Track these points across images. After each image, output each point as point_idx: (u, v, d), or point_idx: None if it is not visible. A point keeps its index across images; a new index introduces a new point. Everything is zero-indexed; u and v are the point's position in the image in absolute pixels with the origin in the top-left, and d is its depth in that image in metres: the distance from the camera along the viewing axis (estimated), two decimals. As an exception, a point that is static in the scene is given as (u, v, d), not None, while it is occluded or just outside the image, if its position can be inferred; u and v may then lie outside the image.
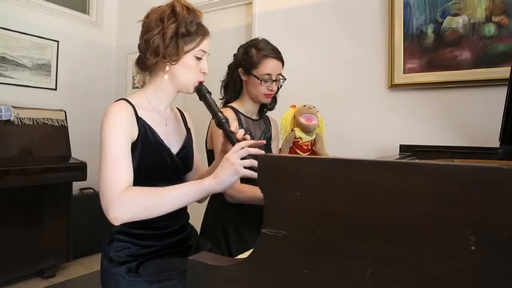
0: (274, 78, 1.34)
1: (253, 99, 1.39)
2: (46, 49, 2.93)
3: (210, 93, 1.06)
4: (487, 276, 0.37)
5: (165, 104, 1.10)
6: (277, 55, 1.35)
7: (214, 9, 2.76)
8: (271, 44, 1.38)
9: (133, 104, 1.00)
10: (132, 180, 0.94)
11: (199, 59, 1.04)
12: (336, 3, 2.17)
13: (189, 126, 1.21)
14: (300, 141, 1.30)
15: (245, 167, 0.91)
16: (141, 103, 1.03)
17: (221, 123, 1.02)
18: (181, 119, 1.20)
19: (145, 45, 1.00)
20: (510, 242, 0.36)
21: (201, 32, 1.04)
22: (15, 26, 2.72)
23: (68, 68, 3.08)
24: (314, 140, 1.32)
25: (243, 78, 1.37)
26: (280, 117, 1.58)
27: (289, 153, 1.34)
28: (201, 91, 1.06)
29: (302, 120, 1.28)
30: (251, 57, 1.33)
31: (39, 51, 2.89)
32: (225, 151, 1.05)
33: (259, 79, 1.32)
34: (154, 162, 1.02)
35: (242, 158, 0.92)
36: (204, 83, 1.07)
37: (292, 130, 1.35)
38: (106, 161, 0.91)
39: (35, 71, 2.87)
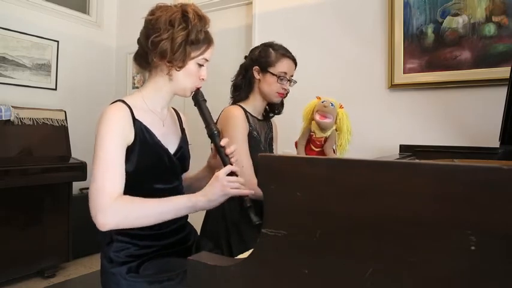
0: (288, 78, 1.38)
1: (265, 97, 1.41)
2: (46, 49, 2.93)
3: (205, 101, 1.08)
4: (487, 276, 0.37)
5: (161, 105, 1.10)
6: (293, 57, 1.40)
7: (214, 9, 2.76)
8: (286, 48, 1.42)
9: (130, 105, 1.00)
10: (123, 186, 0.94)
11: (200, 65, 1.05)
12: (336, 3, 2.17)
13: (184, 127, 1.21)
14: (314, 136, 1.30)
15: (233, 188, 0.97)
16: (138, 104, 1.03)
17: (213, 135, 1.05)
18: (177, 120, 1.20)
19: (151, 46, 0.99)
20: (510, 242, 0.36)
21: (207, 40, 1.05)
22: (15, 26, 2.72)
23: (68, 68, 3.08)
24: (327, 137, 1.30)
25: (257, 77, 1.40)
26: (277, 117, 1.58)
27: (305, 145, 1.33)
28: (197, 98, 1.07)
29: (316, 116, 1.27)
30: (269, 55, 1.37)
31: (39, 51, 2.89)
32: (212, 165, 1.14)
33: (276, 76, 1.35)
34: (153, 163, 1.02)
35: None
36: (200, 89, 1.08)
37: (310, 122, 1.33)
38: (100, 166, 0.91)
39: (35, 71, 2.87)
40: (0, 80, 2.66)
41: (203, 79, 1.07)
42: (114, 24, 3.50)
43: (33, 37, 2.83)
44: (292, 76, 1.41)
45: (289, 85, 1.41)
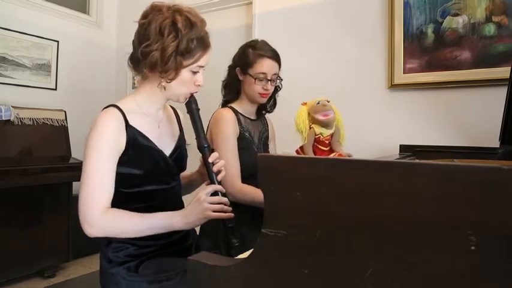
0: (269, 78, 1.34)
1: (250, 99, 1.40)
2: (46, 49, 2.93)
3: (198, 109, 1.06)
4: (487, 276, 0.37)
5: (156, 107, 1.08)
6: (273, 55, 1.36)
7: (214, 9, 2.76)
8: (270, 45, 1.39)
9: (123, 110, 0.98)
10: (112, 197, 0.95)
11: (195, 72, 1.01)
12: (336, 3, 2.17)
13: (182, 125, 1.20)
14: (321, 137, 1.30)
15: (215, 211, 0.96)
16: (132, 108, 1.01)
17: (202, 149, 1.04)
18: (175, 119, 1.18)
19: (141, 56, 0.95)
20: (510, 242, 0.36)
21: (202, 46, 0.99)
22: (15, 26, 2.72)
23: (68, 68, 3.08)
24: (333, 133, 1.31)
25: (240, 78, 1.39)
26: (278, 117, 1.58)
27: (313, 150, 1.33)
28: (190, 106, 1.04)
29: (319, 117, 1.27)
30: (247, 56, 1.35)
31: (39, 51, 2.89)
32: (202, 172, 1.14)
33: (253, 78, 1.33)
34: (148, 167, 1.01)
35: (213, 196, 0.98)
36: (195, 94, 1.06)
37: (310, 128, 1.34)
38: (89, 177, 0.91)
39: (35, 71, 2.87)
40: (0, 80, 2.66)
41: (199, 85, 1.03)
42: (114, 24, 3.50)
43: (33, 37, 2.83)
44: (276, 75, 1.36)
45: (272, 84, 1.36)
